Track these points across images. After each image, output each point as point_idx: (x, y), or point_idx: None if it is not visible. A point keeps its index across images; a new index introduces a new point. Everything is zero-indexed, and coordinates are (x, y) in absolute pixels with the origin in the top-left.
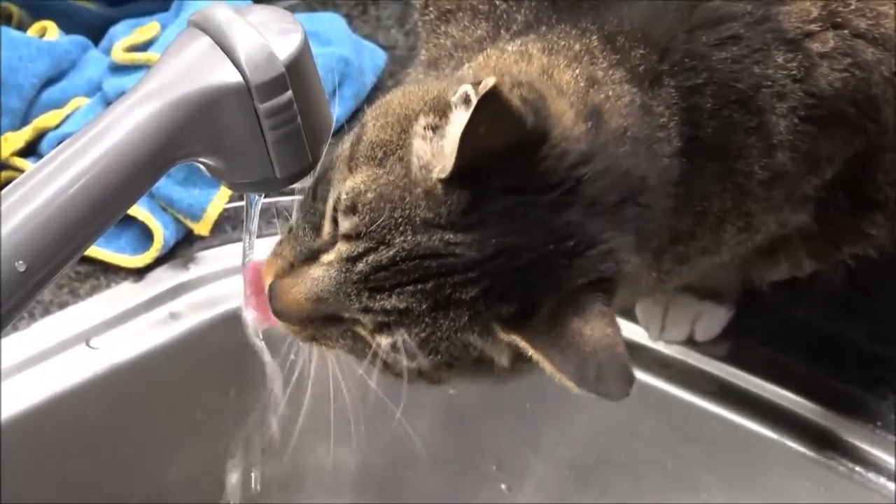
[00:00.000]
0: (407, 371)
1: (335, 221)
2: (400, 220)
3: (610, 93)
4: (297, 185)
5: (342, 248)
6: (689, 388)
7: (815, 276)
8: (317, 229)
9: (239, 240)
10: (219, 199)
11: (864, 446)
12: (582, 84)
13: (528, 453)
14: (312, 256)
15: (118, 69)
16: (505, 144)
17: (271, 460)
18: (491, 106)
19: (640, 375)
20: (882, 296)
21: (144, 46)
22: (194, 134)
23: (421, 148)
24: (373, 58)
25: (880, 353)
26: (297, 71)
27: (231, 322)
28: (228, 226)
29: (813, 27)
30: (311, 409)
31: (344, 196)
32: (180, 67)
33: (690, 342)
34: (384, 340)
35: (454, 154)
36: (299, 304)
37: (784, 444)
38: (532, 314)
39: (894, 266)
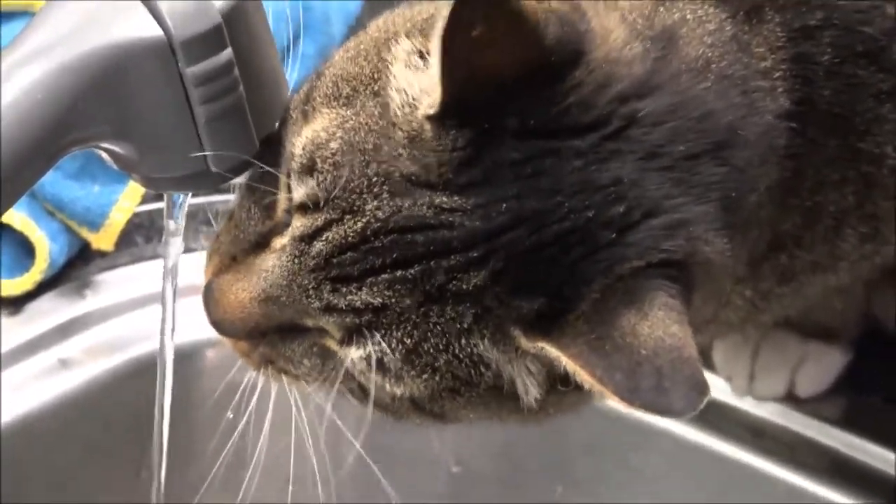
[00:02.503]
0: (393, 400)
1: (290, 195)
2: (374, 177)
3: (688, 14)
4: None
5: (296, 224)
6: (790, 463)
7: None
8: (268, 209)
9: (155, 257)
10: (127, 200)
11: None
12: None
13: None
14: (261, 243)
15: None
16: (515, 62)
17: None
18: None
19: (720, 446)
20: None
21: None
22: (95, 109)
23: (404, 77)
24: (343, 1)
25: None
26: (240, 22)
27: (143, 373)
28: (140, 237)
29: None
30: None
31: (299, 151)
32: (76, 16)
33: (791, 399)
34: (355, 353)
35: (439, 76)
36: (244, 307)
37: None
38: (566, 310)
39: None
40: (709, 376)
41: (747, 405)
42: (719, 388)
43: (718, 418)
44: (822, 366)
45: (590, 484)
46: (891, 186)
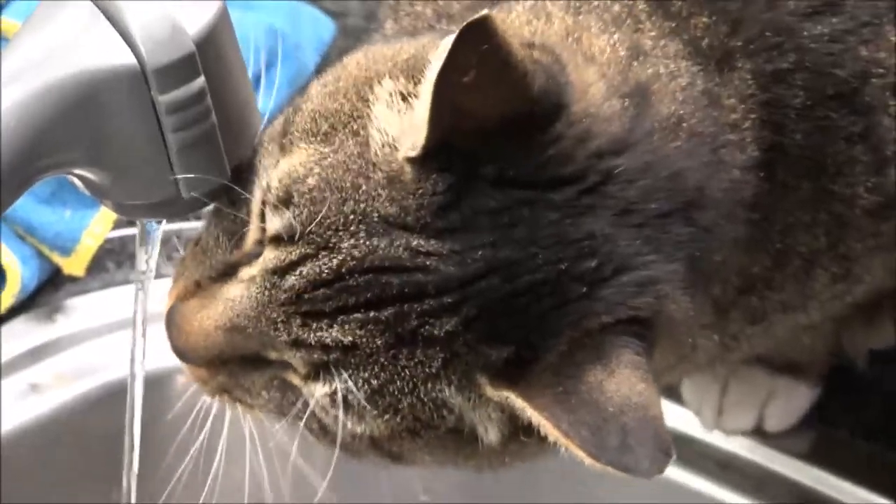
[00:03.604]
0: (354, 438)
1: (263, 225)
2: (351, 215)
3: (661, 69)
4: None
5: (269, 255)
6: (758, 496)
7: None
8: (237, 238)
9: (126, 282)
10: (98, 226)
11: None
12: (622, 53)
13: None
14: (228, 272)
15: None
16: (500, 111)
17: None
18: (478, 41)
19: (689, 479)
20: None
21: None
22: (68, 136)
23: (385, 118)
24: (316, 29)
25: None
26: (212, 50)
27: (114, 398)
28: (111, 263)
29: None
30: None
31: (275, 183)
32: (49, 43)
33: (759, 433)
34: (320, 389)
35: (427, 119)
36: (207, 335)
37: None
38: (533, 361)
39: None
40: (677, 409)
41: (715, 439)
42: (688, 422)
43: (687, 451)
44: (791, 401)
45: None
46: (863, 227)
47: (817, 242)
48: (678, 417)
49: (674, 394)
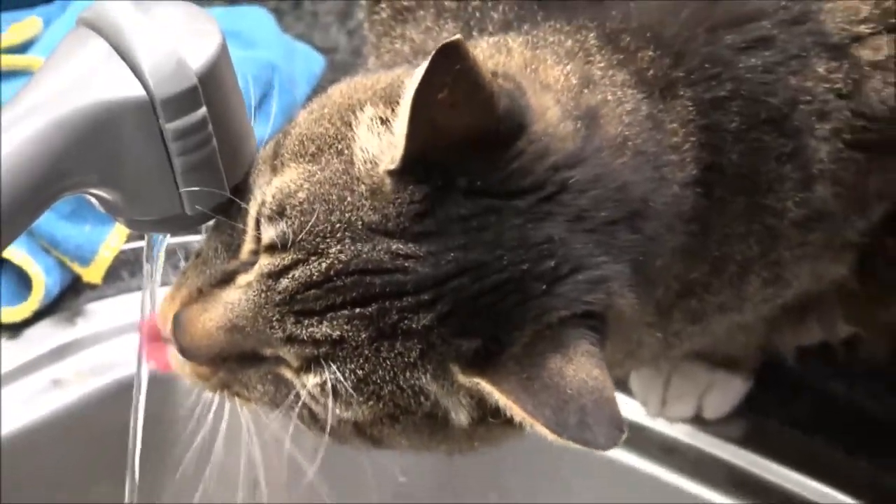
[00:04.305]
0: (340, 424)
1: (258, 235)
2: (338, 224)
3: (609, 96)
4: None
5: (264, 262)
6: (697, 477)
7: (856, 344)
8: (234, 249)
9: (138, 289)
10: (114, 239)
11: None
12: (574, 82)
13: None
14: (226, 279)
15: None
16: (469, 129)
17: None
18: (450, 62)
19: (636, 462)
20: None
21: (23, 48)
22: (85, 160)
23: (367, 139)
24: (307, 64)
25: None
26: (213, 83)
27: (128, 392)
28: (126, 272)
29: (862, 29)
30: (219, 497)
31: (270, 199)
32: (68, 77)
33: (698, 421)
34: (312, 380)
35: (405, 134)
36: (209, 335)
37: None
38: (500, 351)
39: None
40: (626, 399)
41: (660, 426)
42: (635, 411)
43: (635, 437)
44: (727, 392)
45: (520, 492)
46: (792, 237)
47: (751, 251)
48: (627, 407)
49: (623, 386)
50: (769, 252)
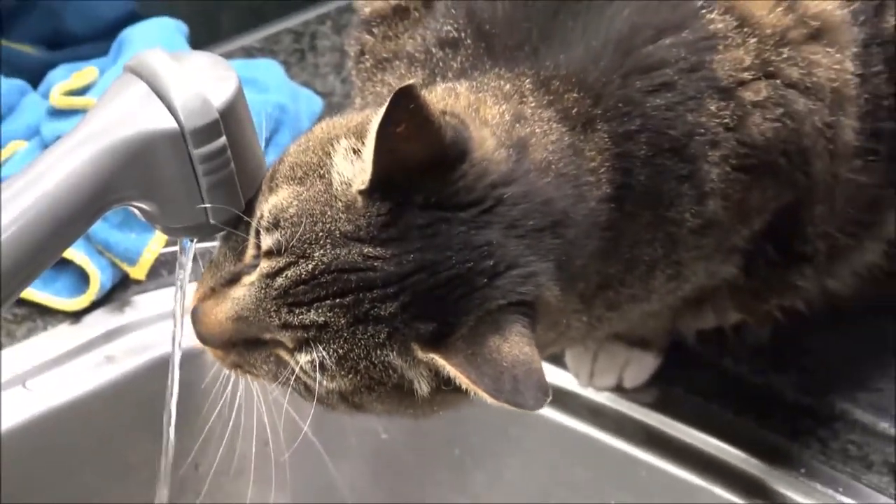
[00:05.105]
0: (327, 393)
1: (258, 243)
2: (320, 233)
3: (537, 129)
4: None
5: (263, 265)
6: (619, 435)
7: (743, 328)
8: (239, 255)
9: (174, 284)
10: (155, 244)
11: (790, 493)
12: (507, 118)
13: (459, 500)
14: (234, 279)
15: (56, 113)
16: (423, 155)
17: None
18: (405, 102)
19: (570, 422)
20: (808, 348)
21: (82, 91)
22: (129, 179)
23: (342, 165)
24: (309, 104)
25: (805, 403)
26: (231, 117)
27: (166, 367)
28: (164, 270)
29: (746, 76)
30: (237, 450)
31: (266, 213)
32: (116, 113)
33: (619, 389)
34: (304, 358)
35: (372, 160)
36: (221, 324)
37: (712, 492)
38: (450, 333)
39: (821, 319)
40: (561, 372)
41: (589, 393)
42: (569, 381)
43: (570, 402)
44: (642, 366)
45: (479, 449)
46: (689, 242)
47: (656, 253)
48: (562, 378)
49: (559, 361)
50: (671, 254)
